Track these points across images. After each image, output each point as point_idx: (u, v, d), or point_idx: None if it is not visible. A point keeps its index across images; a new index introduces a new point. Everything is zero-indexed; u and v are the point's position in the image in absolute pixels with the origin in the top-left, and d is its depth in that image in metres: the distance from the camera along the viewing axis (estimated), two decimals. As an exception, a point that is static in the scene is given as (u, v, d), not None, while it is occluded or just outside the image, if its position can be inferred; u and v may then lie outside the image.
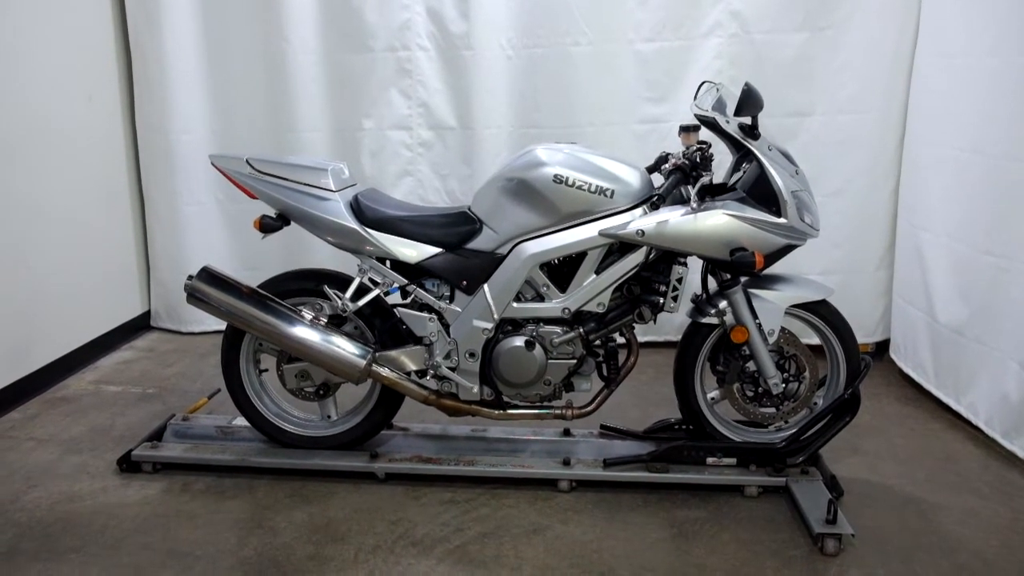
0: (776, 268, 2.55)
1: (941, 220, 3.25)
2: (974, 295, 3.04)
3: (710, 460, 2.61)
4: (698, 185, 2.42)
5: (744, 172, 2.53)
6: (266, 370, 2.71)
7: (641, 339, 2.65)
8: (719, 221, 2.41)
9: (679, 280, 2.51)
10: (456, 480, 2.58)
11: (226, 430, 2.78)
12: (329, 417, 2.71)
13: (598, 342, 2.61)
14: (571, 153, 2.51)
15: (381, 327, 2.61)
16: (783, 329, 2.57)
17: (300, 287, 2.62)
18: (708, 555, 2.24)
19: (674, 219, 2.42)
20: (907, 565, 2.20)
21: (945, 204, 3.21)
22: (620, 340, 2.64)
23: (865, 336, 3.89)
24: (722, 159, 2.61)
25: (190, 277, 2.54)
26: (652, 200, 2.40)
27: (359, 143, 3.95)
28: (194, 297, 2.52)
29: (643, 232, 2.42)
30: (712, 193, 2.52)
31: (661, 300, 2.51)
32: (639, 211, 2.45)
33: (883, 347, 3.88)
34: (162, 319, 4.16)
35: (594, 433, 2.82)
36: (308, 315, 2.52)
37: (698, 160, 2.46)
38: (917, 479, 2.70)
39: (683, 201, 2.46)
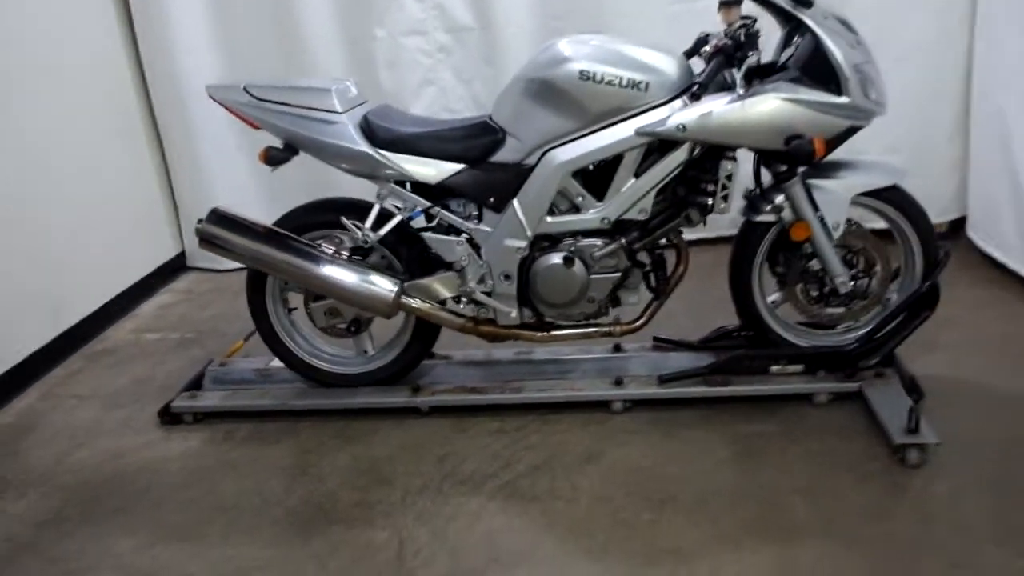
0: (836, 153, 2.26)
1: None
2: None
3: (774, 368, 2.41)
4: (744, 67, 2.13)
5: (796, 47, 2.22)
6: (295, 309, 2.58)
7: (689, 238, 2.41)
8: (771, 106, 2.13)
9: (728, 177, 2.26)
10: (503, 408, 2.45)
11: (264, 372, 2.69)
12: (365, 352, 2.59)
13: (643, 251, 2.40)
14: (598, 45, 2.23)
15: (408, 255, 2.43)
16: (849, 221, 2.31)
17: (319, 220, 2.45)
18: (778, 474, 2.08)
19: (719, 109, 2.15)
20: (1002, 474, 2.01)
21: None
22: (667, 244, 2.42)
23: (937, 215, 3.54)
24: (770, 35, 2.30)
25: (200, 221, 2.39)
26: (692, 90, 2.12)
27: (373, 55, 3.68)
28: (207, 242, 2.38)
29: (684, 127, 2.16)
30: (761, 75, 2.23)
31: (710, 200, 2.27)
32: (679, 103, 2.18)
33: (958, 226, 3.56)
34: (196, 259, 4.06)
35: (647, 347, 2.65)
36: (328, 250, 2.36)
37: (742, 39, 2.15)
38: (1006, 372, 2.46)
39: (728, 87, 2.18)
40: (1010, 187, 3.04)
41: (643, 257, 2.42)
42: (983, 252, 3.28)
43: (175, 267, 4.04)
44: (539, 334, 2.45)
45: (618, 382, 2.45)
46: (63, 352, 3.16)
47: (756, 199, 2.36)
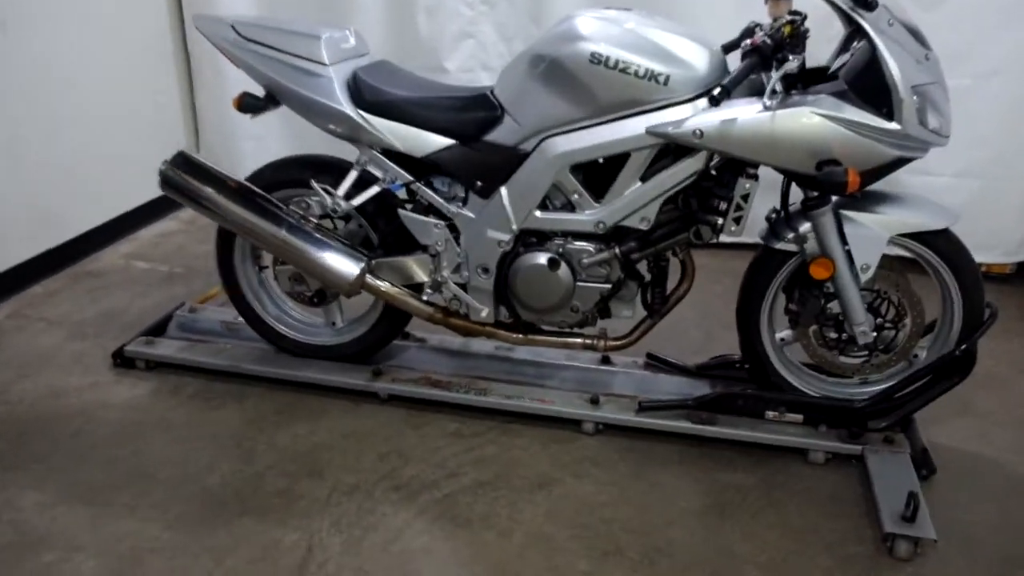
0: (882, 183, 1.95)
1: None
2: None
3: (770, 414, 2.14)
4: (781, 71, 1.82)
5: (852, 55, 1.89)
6: (267, 267, 2.42)
7: (724, 239, 2.07)
8: (805, 123, 1.82)
9: (745, 197, 1.97)
10: (467, 407, 2.25)
11: (231, 326, 2.54)
12: (333, 324, 2.41)
13: (644, 262, 2.14)
14: (620, 25, 1.94)
15: (386, 229, 2.23)
16: (884, 261, 2.00)
17: (297, 177, 2.25)
18: (743, 541, 1.83)
19: (745, 117, 1.85)
20: (999, 584, 1.73)
21: None
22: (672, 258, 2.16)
23: (1004, 255, 3.20)
24: (822, 35, 1.97)
25: (165, 162, 2.22)
26: (714, 92, 1.82)
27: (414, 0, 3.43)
28: (168, 185, 2.20)
29: (702, 132, 1.87)
30: (806, 82, 1.92)
31: (720, 220, 1.99)
32: (702, 104, 1.89)
33: None
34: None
35: (638, 363, 2.40)
36: (295, 213, 2.17)
37: (785, 37, 1.84)
38: (1040, 456, 2.15)
39: (762, 92, 1.87)
40: None
41: (642, 268, 2.17)
42: None
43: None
44: (516, 335, 2.22)
45: (594, 401, 2.22)
46: (49, 268, 3.08)
47: (779, 223, 2.07)
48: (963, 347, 2.02)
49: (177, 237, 3.52)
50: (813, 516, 1.91)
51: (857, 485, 2.01)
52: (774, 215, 2.10)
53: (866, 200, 2.00)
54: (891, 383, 2.11)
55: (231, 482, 1.98)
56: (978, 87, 2.90)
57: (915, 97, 1.81)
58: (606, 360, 2.39)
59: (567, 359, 2.38)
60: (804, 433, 2.11)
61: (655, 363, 2.39)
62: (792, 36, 1.85)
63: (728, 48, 2.04)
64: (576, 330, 2.22)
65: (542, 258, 2.08)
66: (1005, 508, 1.96)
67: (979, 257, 3.12)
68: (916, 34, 1.86)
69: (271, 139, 3.65)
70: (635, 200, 2.00)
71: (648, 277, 2.18)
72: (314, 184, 2.14)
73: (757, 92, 1.88)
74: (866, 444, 2.07)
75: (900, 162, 1.88)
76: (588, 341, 2.20)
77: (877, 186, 1.97)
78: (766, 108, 1.83)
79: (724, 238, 2.04)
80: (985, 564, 1.78)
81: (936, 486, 2.01)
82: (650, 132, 1.92)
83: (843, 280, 1.99)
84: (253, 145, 3.70)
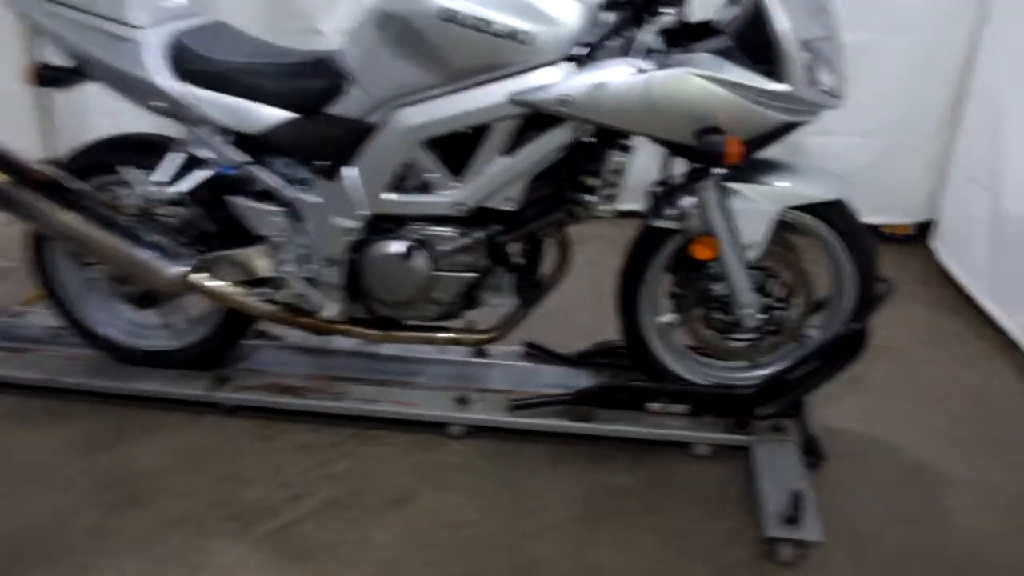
0: (771, 151, 1.77)
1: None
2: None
3: (652, 406, 1.98)
4: (653, 27, 1.61)
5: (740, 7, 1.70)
6: (92, 263, 2.10)
7: (626, 207, 1.87)
8: (681, 86, 1.62)
9: (617, 171, 1.77)
10: (323, 414, 2.01)
11: (59, 332, 2.21)
12: (168, 326, 2.12)
13: (515, 245, 1.92)
14: (477, -25, 1.69)
15: (223, 218, 1.94)
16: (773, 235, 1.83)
17: (118, 160, 1.94)
18: (615, 551, 1.66)
19: (616, 81, 1.64)
20: (888, 586, 1.62)
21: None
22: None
23: (905, 215, 3.13)
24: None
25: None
26: (580, 53, 1.59)
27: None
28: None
29: (570, 100, 1.65)
30: (690, 39, 1.71)
31: (592, 198, 1.78)
32: (570, 67, 1.67)
33: (926, 230, 3.10)
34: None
35: (516, 353, 2.20)
36: (106, 203, 1.86)
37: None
38: (936, 432, 2.05)
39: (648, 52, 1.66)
40: (990, 201, 2.57)
41: (515, 250, 1.95)
42: (947, 270, 2.84)
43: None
44: (373, 332, 1.99)
45: (462, 400, 2.01)
46: None
47: (660, 198, 1.88)
48: (856, 326, 1.89)
49: (21, 226, 3.11)
50: (694, 518, 1.76)
51: (744, 480, 1.87)
52: (656, 189, 1.91)
53: (753, 171, 1.82)
54: (780, 367, 1.97)
55: (34, 523, 1.69)
56: (882, 42, 2.78)
57: (806, 54, 1.63)
58: (481, 352, 2.19)
59: (439, 352, 2.16)
60: (689, 425, 1.96)
61: (535, 353, 2.20)
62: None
63: (612, 5, 1.81)
64: (442, 323, 1.99)
65: (395, 247, 1.84)
66: (895, 495, 1.85)
67: (881, 218, 3.09)
68: (810, -18, 1.68)
69: (128, 114, 3.27)
70: (499, 177, 1.77)
71: (522, 262, 1.96)
72: (122, 170, 1.83)
73: (647, 53, 1.67)
74: (753, 434, 1.93)
75: (788, 127, 1.71)
76: (454, 336, 1.98)
77: (766, 154, 1.80)
78: (639, 71, 1.62)
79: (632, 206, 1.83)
80: (874, 560, 1.66)
81: (826, 475, 1.89)
82: (514, 100, 1.69)
83: (728, 260, 1.82)
84: (108, 121, 3.30)
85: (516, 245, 1.92)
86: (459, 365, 2.15)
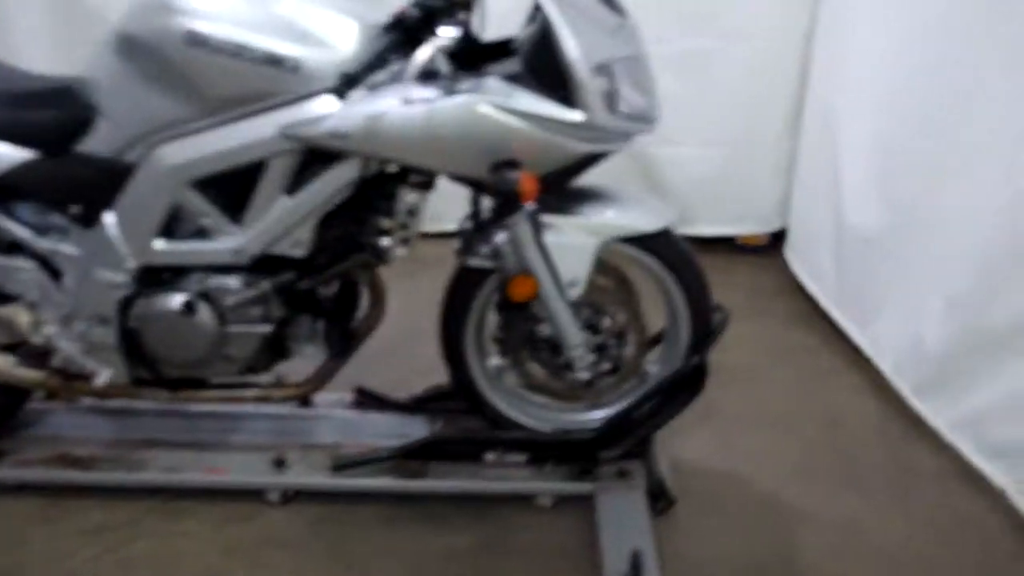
0: (599, 171, 1.60)
1: (864, 86, 2.25)
2: (899, 196, 2.12)
3: (489, 457, 1.80)
4: (431, 50, 1.41)
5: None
6: None
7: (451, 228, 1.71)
8: (466, 116, 1.43)
9: (411, 212, 1.57)
10: (121, 489, 1.78)
11: None
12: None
13: (320, 290, 1.71)
14: (239, -8, 1.46)
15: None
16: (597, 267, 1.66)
17: None
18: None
19: (395, 112, 1.43)
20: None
21: (871, 65, 2.20)
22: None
23: (757, 225, 3.01)
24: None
25: None
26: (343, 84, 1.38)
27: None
28: None
29: (343, 133, 1.44)
30: (481, 61, 1.52)
31: (385, 241, 1.58)
32: (347, 96, 1.45)
33: (780, 239, 2.99)
34: None
35: (345, 401, 2.00)
36: None
37: (442, 4, 1.43)
38: (792, 463, 1.93)
39: (438, 78, 1.45)
40: (831, 211, 2.46)
41: (324, 295, 1.74)
42: (799, 280, 2.73)
43: None
44: (166, 393, 1.76)
45: (279, 463, 1.80)
46: None
47: (472, 235, 1.68)
48: (695, 360, 1.75)
49: None
50: (534, 578, 1.60)
51: (587, 531, 1.71)
52: (466, 227, 1.71)
53: (571, 201, 1.65)
54: (621, 406, 1.81)
55: None
56: (724, 49, 2.65)
57: (601, 79, 1.45)
58: (305, 402, 1.98)
59: (254, 407, 1.95)
60: (529, 475, 1.80)
61: (365, 400, 2.00)
62: (454, 2, 1.44)
63: (397, 25, 1.60)
64: (248, 379, 1.77)
65: (172, 301, 1.61)
66: (749, 537, 1.73)
67: (734, 229, 2.96)
68: (608, -3, 1.49)
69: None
70: (282, 220, 1.56)
71: (330, 308, 1.75)
72: None
73: (430, 77, 1.47)
74: (597, 480, 1.78)
75: (593, 158, 1.53)
76: (261, 392, 1.77)
77: (584, 181, 1.63)
78: (414, 100, 1.42)
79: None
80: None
81: (675, 519, 1.75)
82: (285, 135, 1.47)
83: (550, 300, 1.64)
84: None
85: (325, 290, 1.72)
86: (280, 419, 1.95)
